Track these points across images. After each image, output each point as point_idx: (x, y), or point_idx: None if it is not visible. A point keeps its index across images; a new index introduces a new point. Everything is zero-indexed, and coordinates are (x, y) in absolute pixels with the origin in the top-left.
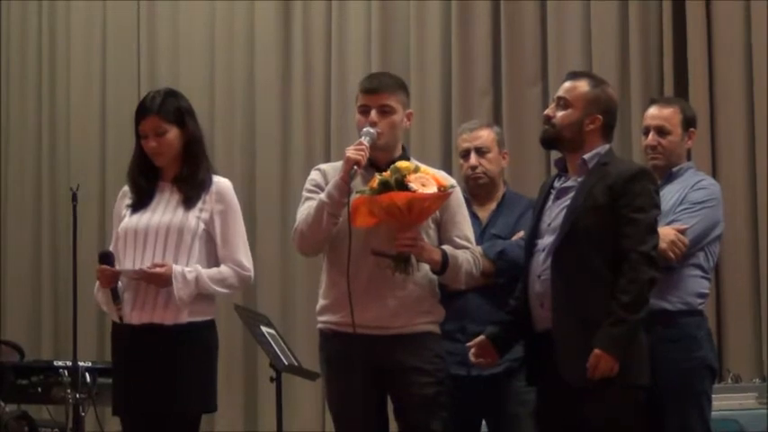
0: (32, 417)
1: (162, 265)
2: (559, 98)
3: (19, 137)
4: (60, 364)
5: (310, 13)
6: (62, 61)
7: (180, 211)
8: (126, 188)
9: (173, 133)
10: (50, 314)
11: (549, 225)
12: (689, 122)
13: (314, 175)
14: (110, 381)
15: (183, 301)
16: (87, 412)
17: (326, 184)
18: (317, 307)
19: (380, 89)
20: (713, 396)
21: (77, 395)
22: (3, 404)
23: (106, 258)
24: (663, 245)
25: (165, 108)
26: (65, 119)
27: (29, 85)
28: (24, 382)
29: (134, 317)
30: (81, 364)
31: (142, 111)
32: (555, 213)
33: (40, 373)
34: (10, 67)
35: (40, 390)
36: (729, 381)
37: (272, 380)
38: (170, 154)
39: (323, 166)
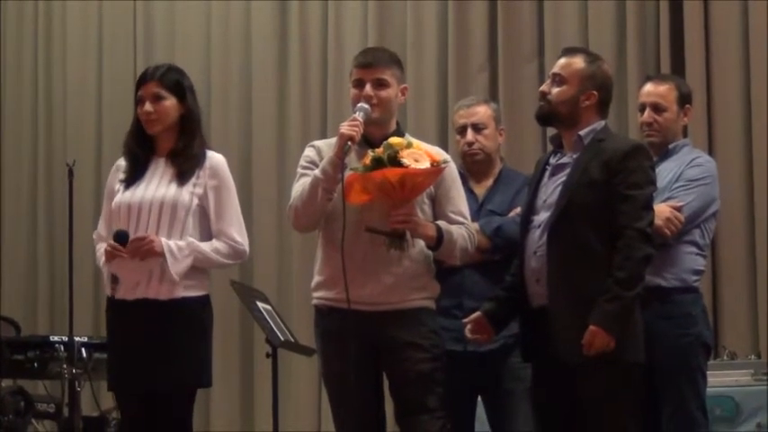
0: (28, 392)
1: (143, 237)
2: (555, 74)
3: (15, 114)
4: (56, 339)
5: None
6: (58, 36)
7: (173, 186)
8: (119, 162)
9: (170, 102)
10: (46, 289)
11: (545, 201)
12: (684, 99)
13: (308, 152)
14: (105, 356)
15: (180, 266)
16: (83, 387)
17: (321, 160)
18: (313, 283)
19: (375, 63)
20: (709, 373)
21: (73, 370)
22: None
23: (119, 237)
24: (659, 222)
25: (166, 77)
26: (61, 95)
27: (25, 60)
28: (20, 358)
29: (128, 292)
30: (77, 339)
31: (142, 77)
32: (551, 190)
33: (35, 348)
34: (6, 44)
35: (35, 365)
36: (725, 357)
37: (267, 356)
38: (164, 122)
39: (317, 143)
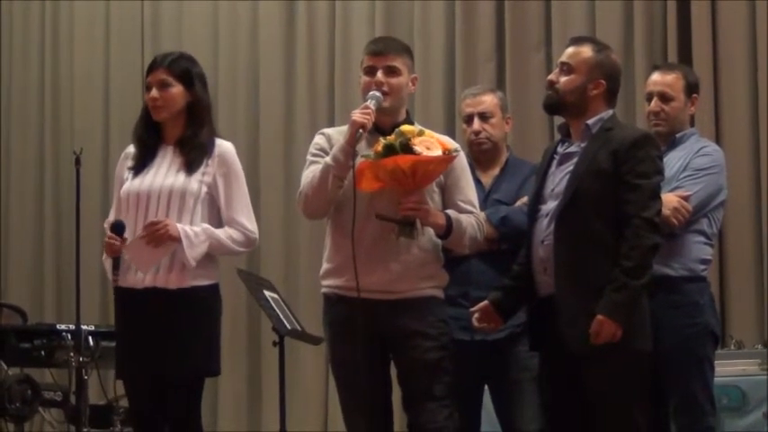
0: (35, 380)
1: (158, 222)
2: (563, 63)
3: (22, 101)
4: (63, 327)
5: None
6: (65, 25)
7: (182, 175)
8: (128, 150)
9: (177, 89)
10: (53, 277)
11: (553, 190)
12: (691, 88)
13: (318, 140)
14: (113, 344)
15: (196, 251)
16: (90, 376)
17: (331, 148)
18: (321, 271)
19: (387, 50)
20: (716, 362)
21: (80, 359)
22: (5, 367)
23: (115, 228)
24: (666, 211)
25: (174, 64)
26: (68, 82)
27: (32, 48)
28: (27, 346)
29: (138, 281)
30: (84, 327)
31: (152, 64)
32: (558, 179)
33: (42, 336)
34: (13, 35)
35: (42, 353)
36: (732, 347)
37: (274, 344)
38: (170, 109)
39: (327, 131)
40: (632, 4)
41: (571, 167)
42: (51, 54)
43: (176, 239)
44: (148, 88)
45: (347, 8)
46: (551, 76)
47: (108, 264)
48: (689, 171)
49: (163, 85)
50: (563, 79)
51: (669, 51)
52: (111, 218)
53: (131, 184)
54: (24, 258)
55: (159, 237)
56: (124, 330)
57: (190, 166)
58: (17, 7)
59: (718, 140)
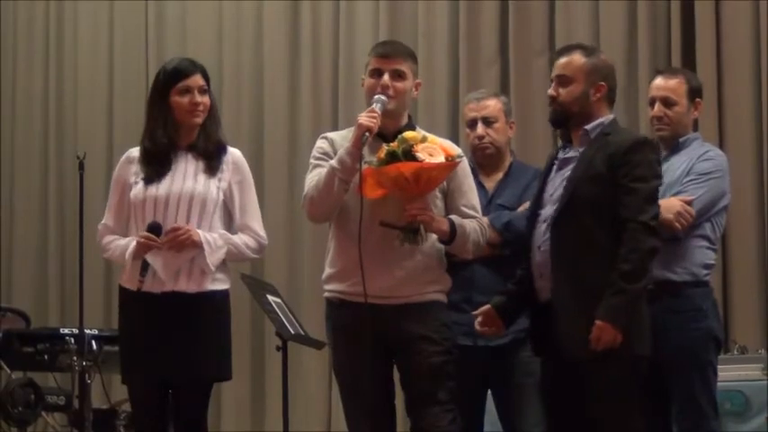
0: (38, 384)
1: (179, 227)
2: (559, 76)
3: (26, 105)
4: (66, 331)
5: None
6: (69, 28)
7: (202, 180)
8: (131, 155)
9: (208, 97)
10: (57, 282)
11: (552, 195)
12: (694, 93)
13: (321, 143)
14: (116, 348)
15: (215, 256)
16: (93, 380)
17: (334, 152)
18: (324, 275)
19: (394, 54)
20: (719, 367)
21: (83, 363)
22: (9, 371)
23: (153, 229)
24: (669, 216)
25: (205, 71)
26: (72, 85)
27: (35, 51)
28: (30, 350)
29: (156, 285)
30: (87, 331)
31: (185, 69)
32: (557, 184)
33: (46, 340)
34: (18, 37)
35: (46, 357)
36: (735, 352)
37: (278, 349)
38: (206, 114)
39: (330, 134)
40: (636, 5)
41: (569, 172)
42: (55, 57)
43: (198, 245)
44: (185, 92)
45: (351, 12)
46: (551, 92)
47: (134, 265)
48: (692, 175)
49: (203, 91)
50: (563, 91)
51: (673, 53)
52: (108, 221)
53: (149, 189)
54: (28, 262)
55: (181, 242)
56: (139, 334)
57: (208, 171)
58: (21, 9)
59: (721, 145)
